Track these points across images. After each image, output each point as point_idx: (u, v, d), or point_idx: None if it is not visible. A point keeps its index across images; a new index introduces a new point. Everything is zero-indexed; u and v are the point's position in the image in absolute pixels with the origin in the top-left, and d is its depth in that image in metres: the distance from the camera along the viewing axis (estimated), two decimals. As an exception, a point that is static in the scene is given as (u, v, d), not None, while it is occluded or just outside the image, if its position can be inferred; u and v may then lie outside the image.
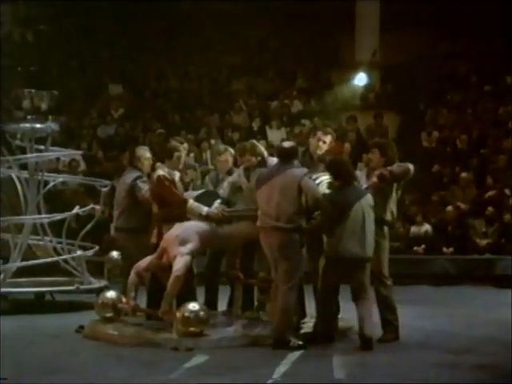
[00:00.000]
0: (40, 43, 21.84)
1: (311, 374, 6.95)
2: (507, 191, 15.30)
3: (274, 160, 8.57)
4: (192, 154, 15.80)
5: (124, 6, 20.91)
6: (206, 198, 8.81)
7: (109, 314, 8.87)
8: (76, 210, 11.17)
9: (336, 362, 7.35)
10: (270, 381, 6.67)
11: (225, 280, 9.45)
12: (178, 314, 8.01)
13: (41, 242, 11.20)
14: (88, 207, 11.34)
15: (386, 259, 8.39)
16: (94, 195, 12.51)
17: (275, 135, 18.04)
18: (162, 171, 8.80)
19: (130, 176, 9.64)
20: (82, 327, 8.91)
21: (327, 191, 8.20)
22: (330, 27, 20.81)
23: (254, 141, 9.59)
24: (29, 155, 11.02)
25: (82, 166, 17.38)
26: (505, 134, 16.97)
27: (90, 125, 19.89)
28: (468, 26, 19.57)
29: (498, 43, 19.21)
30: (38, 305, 11.03)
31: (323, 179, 8.30)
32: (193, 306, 8.06)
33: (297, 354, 7.65)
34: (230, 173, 9.19)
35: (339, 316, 8.58)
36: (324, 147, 8.78)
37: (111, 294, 9.04)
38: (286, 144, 8.40)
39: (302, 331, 8.44)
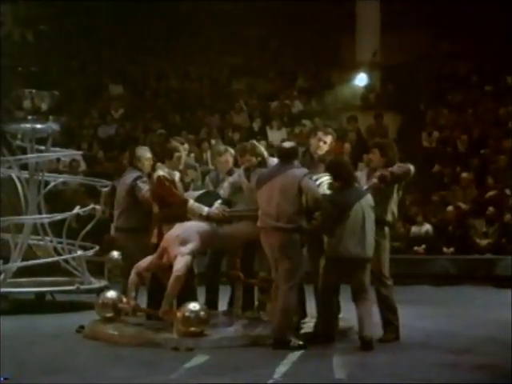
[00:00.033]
0: (40, 43, 21.83)
1: (311, 374, 6.96)
2: (508, 191, 15.30)
3: (274, 160, 8.58)
4: (192, 155, 15.79)
5: (124, 5, 20.90)
6: (207, 199, 8.81)
7: (109, 314, 8.88)
8: (76, 210, 11.18)
9: (336, 362, 7.35)
10: (270, 381, 6.67)
11: (225, 280, 9.45)
12: (179, 314, 8.01)
13: (41, 242, 11.21)
14: (88, 207, 11.35)
15: (387, 259, 8.39)
16: (95, 195, 12.51)
17: (276, 135, 18.04)
18: (162, 171, 8.80)
19: (130, 176, 9.64)
20: (82, 327, 8.91)
21: (328, 192, 8.20)
22: (331, 27, 20.80)
23: (255, 141, 9.60)
24: (29, 155, 11.03)
25: (83, 166, 17.39)
26: (505, 134, 16.97)
27: (90, 125, 19.90)
28: (468, 26, 19.57)
29: (498, 43, 19.19)
30: (39, 305, 11.04)
31: (324, 180, 8.30)
32: (193, 305, 8.07)
33: (297, 354, 7.65)
34: (230, 173, 9.20)
35: (340, 316, 8.58)
36: (324, 147, 8.78)
37: (111, 293, 9.04)
38: (287, 144, 8.40)
39: (303, 331, 8.44)
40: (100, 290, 10.02)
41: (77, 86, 20.92)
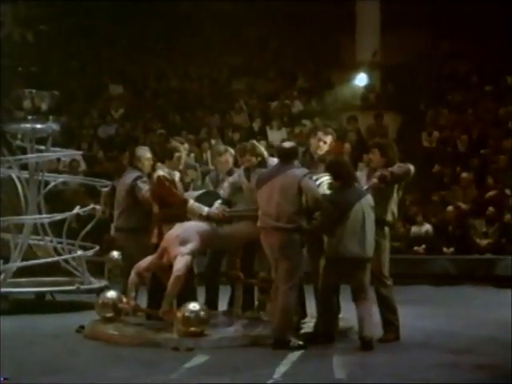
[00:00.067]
0: (40, 43, 21.83)
1: (311, 374, 6.96)
2: (508, 191, 15.31)
3: (274, 160, 8.58)
4: (192, 155, 15.80)
5: (124, 5, 20.90)
6: (207, 198, 8.81)
7: (109, 314, 8.88)
8: (76, 210, 11.18)
9: (336, 362, 7.35)
10: (270, 381, 6.67)
11: (225, 280, 9.46)
12: (179, 314, 8.02)
13: (41, 242, 11.21)
14: (88, 207, 11.35)
15: (387, 259, 8.39)
16: (95, 195, 12.51)
17: (276, 135, 18.04)
18: (162, 171, 8.80)
19: (130, 176, 9.64)
20: (82, 327, 8.91)
21: (328, 192, 8.20)
22: (331, 27, 20.80)
23: (255, 141, 9.60)
24: (29, 155, 11.03)
25: (83, 166, 17.39)
26: (505, 134, 16.98)
27: (90, 125, 19.90)
28: (468, 26, 19.57)
29: (497, 43, 19.20)
30: (39, 305, 11.03)
31: (324, 180, 8.30)
32: (193, 305, 8.07)
33: (297, 354, 7.65)
34: (230, 173, 9.20)
35: (340, 316, 8.59)
36: (324, 147, 8.78)
37: (112, 293, 9.04)
38: (287, 144, 8.40)
39: (303, 331, 8.44)
40: (100, 290, 10.02)
41: (77, 86, 20.92)
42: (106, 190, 11.41)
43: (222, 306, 9.46)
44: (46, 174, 11.38)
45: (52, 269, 11.44)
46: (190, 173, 10.18)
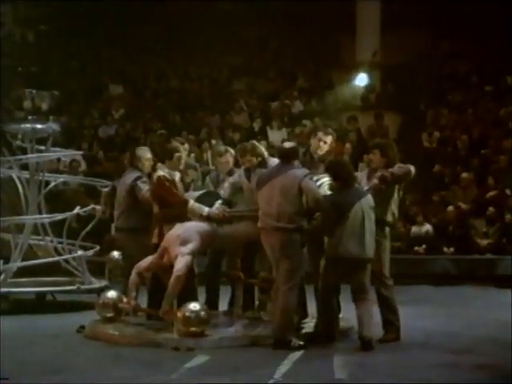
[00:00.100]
0: (40, 43, 21.84)
1: (312, 374, 6.96)
2: (508, 191, 15.32)
3: (274, 160, 8.58)
4: (193, 155, 15.80)
5: (124, 6, 20.91)
6: (207, 199, 8.82)
7: (110, 314, 8.88)
8: (77, 210, 11.18)
9: (337, 362, 7.36)
10: (270, 381, 6.67)
11: (226, 280, 9.46)
12: (179, 314, 8.02)
13: (42, 242, 11.21)
14: (89, 207, 11.35)
15: (387, 259, 8.39)
16: (95, 195, 12.52)
17: (276, 136, 18.04)
18: (162, 172, 8.80)
19: (130, 176, 9.64)
20: (82, 327, 8.91)
21: (328, 192, 8.20)
22: (331, 27, 20.83)
23: (255, 141, 9.59)
24: (30, 155, 11.03)
25: (83, 167, 17.39)
26: (505, 135, 16.99)
27: (90, 125, 19.91)
28: (468, 26, 19.59)
29: (497, 43, 19.21)
30: (39, 305, 11.03)
31: (324, 180, 8.30)
32: (194, 305, 8.07)
33: (297, 354, 7.65)
34: (230, 173, 9.20)
35: (340, 316, 8.59)
36: (325, 147, 8.78)
37: (112, 293, 9.04)
38: (287, 144, 8.40)
39: (303, 331, 8.45)
40: (100, 290, 10.03)
41: (77, 86, 20.93)
42: (106, 190, 11.41)
43: (223, 306, 9.46)
44: (47, 174, 11.38)
45: (52, 269, 11.44)
46: (190, 173, 10.19)
